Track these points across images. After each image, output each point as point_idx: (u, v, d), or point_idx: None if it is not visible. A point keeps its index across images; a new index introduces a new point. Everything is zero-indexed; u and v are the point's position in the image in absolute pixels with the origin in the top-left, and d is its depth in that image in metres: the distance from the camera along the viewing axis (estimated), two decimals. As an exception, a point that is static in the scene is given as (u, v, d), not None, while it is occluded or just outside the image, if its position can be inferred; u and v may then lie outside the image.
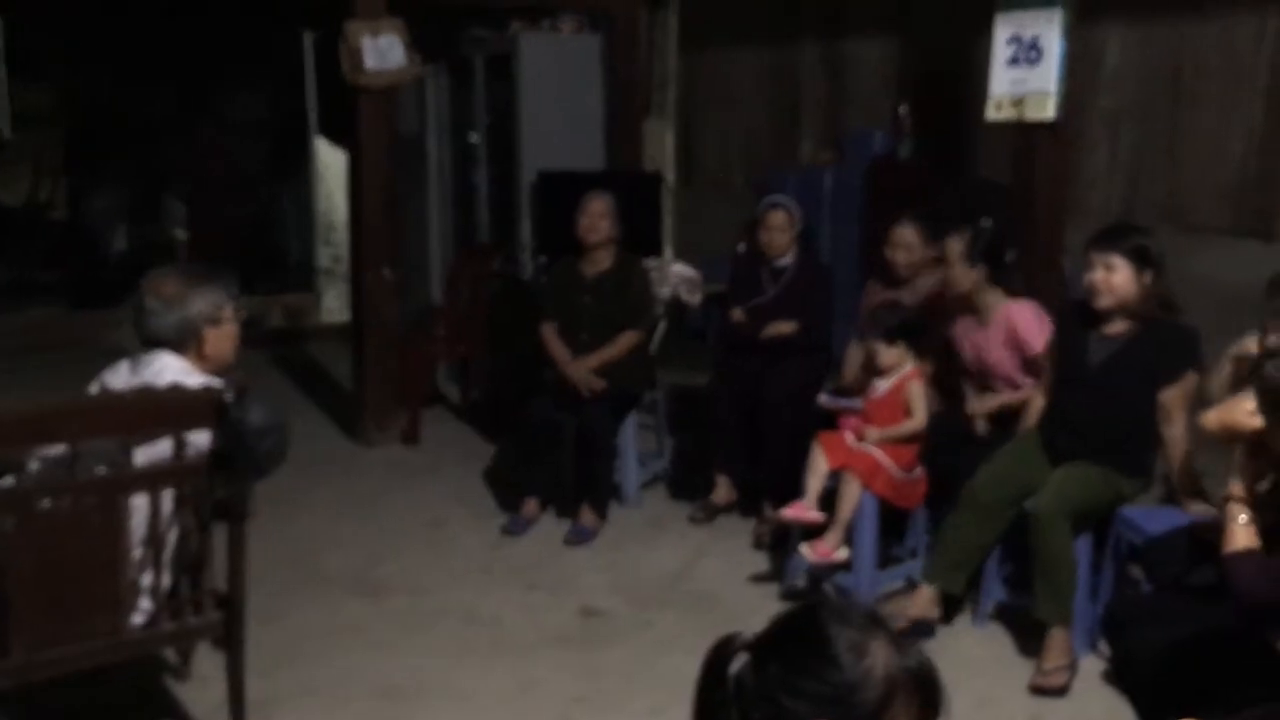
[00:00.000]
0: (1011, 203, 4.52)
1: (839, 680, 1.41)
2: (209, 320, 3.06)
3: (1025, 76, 4.38)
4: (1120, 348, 3.67)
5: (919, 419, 4.04)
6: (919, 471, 4.11)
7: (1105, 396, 3.67)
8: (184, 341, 3.04)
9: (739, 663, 1.49)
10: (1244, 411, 2.45)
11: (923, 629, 3.81)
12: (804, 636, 1.46)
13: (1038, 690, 3.50)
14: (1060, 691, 3.50)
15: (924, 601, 3.82)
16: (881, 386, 4.14)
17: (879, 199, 5.67)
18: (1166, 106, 5.26)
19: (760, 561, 4.49)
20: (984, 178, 5.52)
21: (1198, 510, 3.48)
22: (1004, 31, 4.45)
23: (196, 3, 7.74)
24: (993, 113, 4.50)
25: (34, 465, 2.84)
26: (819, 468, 4.04)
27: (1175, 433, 3.61)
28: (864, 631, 1.45)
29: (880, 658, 1.43)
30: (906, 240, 4.47)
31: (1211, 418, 3.09)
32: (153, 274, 3.20)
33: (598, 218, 4.87)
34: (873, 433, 4.03)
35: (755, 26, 7.17)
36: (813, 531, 4.02)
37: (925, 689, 1.45)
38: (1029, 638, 3.76)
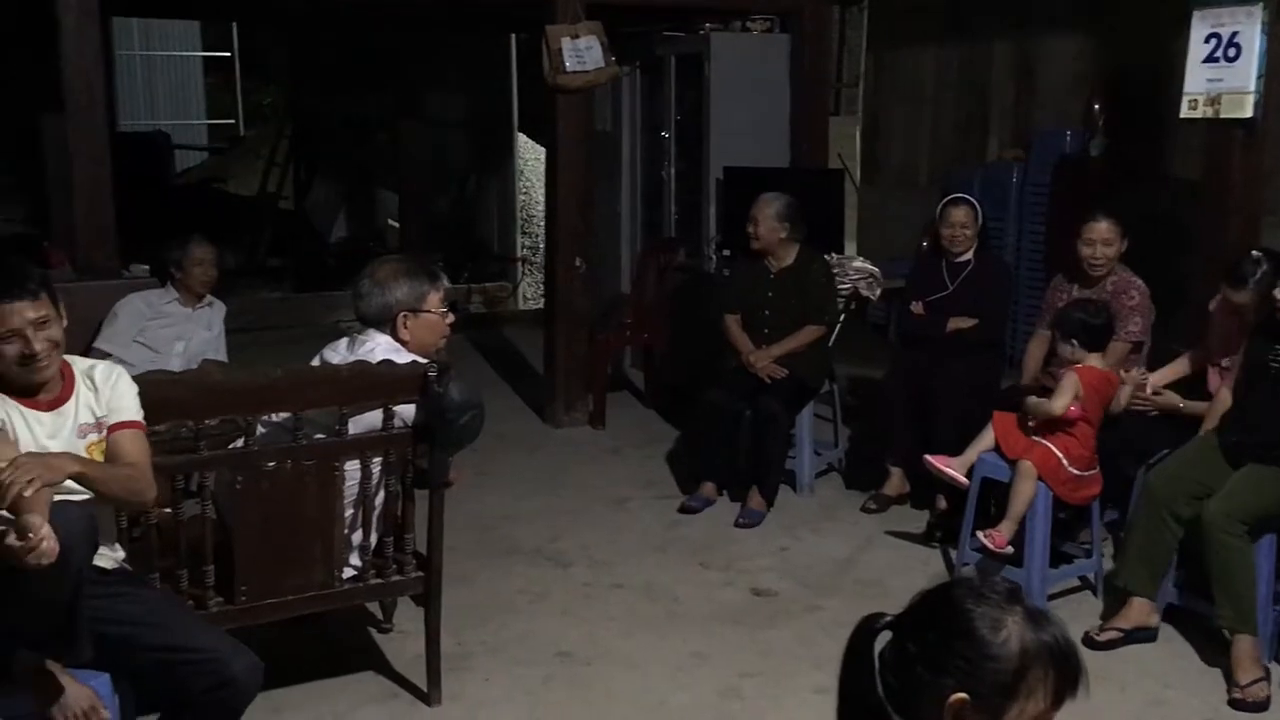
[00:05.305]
0: (1204, 203, 4.44)
1: (975, 653, 1.49)
2: (409, 308, 3.29)
3: (1222, 74, 4.30)
4: None
5: (1054, 404, 3.99)
6: (1095, 470, 4.10)
7: None
8: (385, 324, 3.30)
9: (882, 641, 1.59)
10: None
11: (1142, 635, 3.80)
12: (942, 613, 1.54)
13: (1239, 706, 3.41)
14: (1262, 706, 3.39)
15: (1140, 611, 3.80)
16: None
17: (1067, 197, 5.61)
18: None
19: (930, 553, 4.55)
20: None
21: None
22: (1201, 28, 4.37)
23: (411, 9, 8.21)
24: (1187, 111, 4.42)
25: (260, 430, 3.18)
26: (984, 441, 4.13)
27: None
28: (1000, 607, 1.52)
29: (1015, 631, 1.49)
30: (1103, 235, 4.44)
31: None
32: (381, 258, 3.51)
33: (757, 223, 4.97)
34: (1031, 400, 4.07)
35: (945, 24, 7.15)
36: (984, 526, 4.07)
37: (1061, 662, 1.51)
38: (1204, 642, 3.74)
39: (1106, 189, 5.47)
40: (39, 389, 2.64)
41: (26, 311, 2.55)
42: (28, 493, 2.27)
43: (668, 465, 5.59)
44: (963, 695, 1.48)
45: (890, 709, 1.56)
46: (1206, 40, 4.33)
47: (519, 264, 10.42)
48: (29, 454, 2.47)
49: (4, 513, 2.29)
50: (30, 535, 2.20)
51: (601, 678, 3.61)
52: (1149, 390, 4.24)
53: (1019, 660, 1.48)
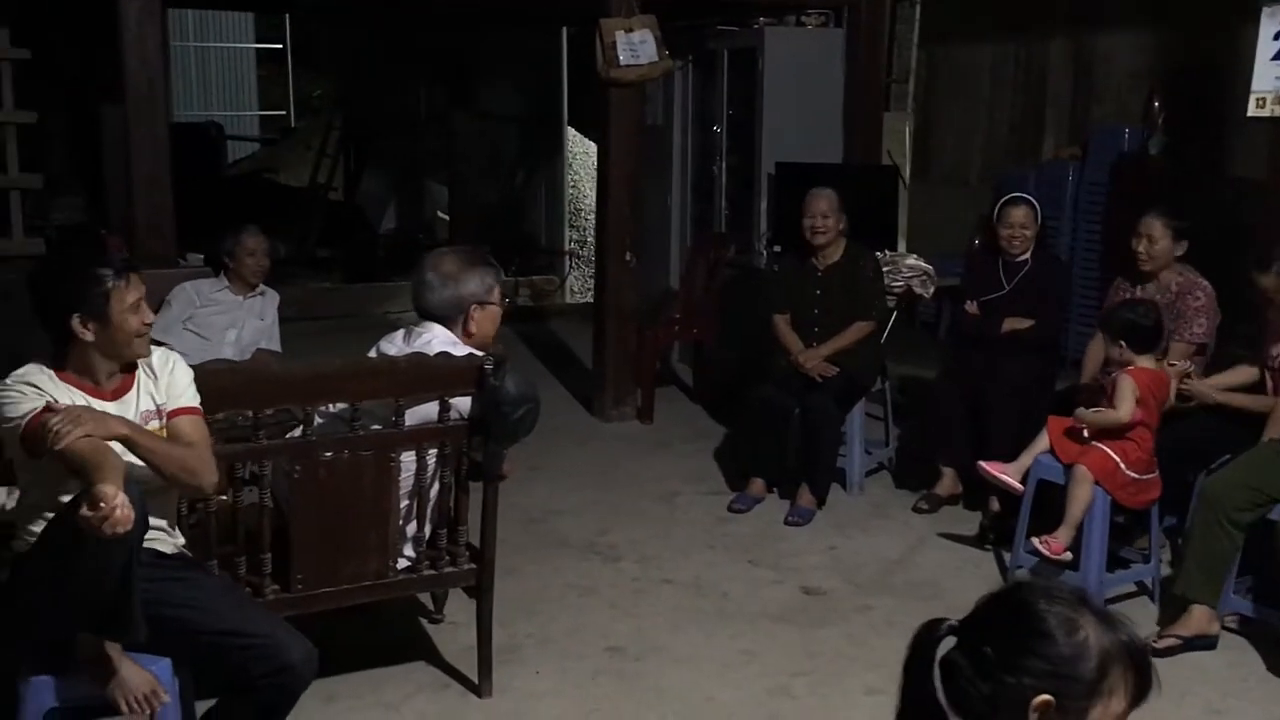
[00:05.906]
0: (1269, 203, 4.35)
1: (1056, 654, 1.47)
2: (478, 300, 3.32)
3: (1291, 72, 4.22)
4: None
5: (1119, 412, 3.92)
6: (1154, 474, 4.03)
7: None
8: (453, 317, 3.32)
9: (945, 646, 1.56)
10: None
11: (1202, 643, 3.73)
12: (1015, 616, 1.52)
13: None
14: None
15: (1200, 620, 3.73)
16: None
17: (1125, 197, 5.52)
18: None
19: (982, 555, 4.50)
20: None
21: None
22: (1270, 25, 4.29)
23: (464, 2, 8.23)
24: (1254, 109, 4.34)
25: (318, 420, 3.20)
26: (1039, 445, 4.07)
27: None
28: (1073, 608, 1.51)
29: (1092, 631, 1.49)
30: (1152, 231, 4.38)
31: None
32: (436, 251, 3.52)
33: (820, 217, 4.93)
34: (1083, 411, 3.99)
35: (1002, 20, 7.07)
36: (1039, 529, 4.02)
37: (1138, 661, 1.51)
38: (1268, 651, 3.68)
39: (1166, 188, 5.38)
40: (132, 366, 2.71)
41: (140, 285, 2.67)
42: (68, 439, 2.36)
43: (716, 461, 5.57)
44: (1048, 697, 1.46)
45: (952, 716, 1.55)
46: (1276, 37, 4.25)
47: (567, 257, 10.43)
48: (81, 405, 2.53)
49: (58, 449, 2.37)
50: (103, 505, 2.23)
51: (650, 673, 3.61)
52: (1195, 377, 4.17)
53: (1100, 659, 1.48)
